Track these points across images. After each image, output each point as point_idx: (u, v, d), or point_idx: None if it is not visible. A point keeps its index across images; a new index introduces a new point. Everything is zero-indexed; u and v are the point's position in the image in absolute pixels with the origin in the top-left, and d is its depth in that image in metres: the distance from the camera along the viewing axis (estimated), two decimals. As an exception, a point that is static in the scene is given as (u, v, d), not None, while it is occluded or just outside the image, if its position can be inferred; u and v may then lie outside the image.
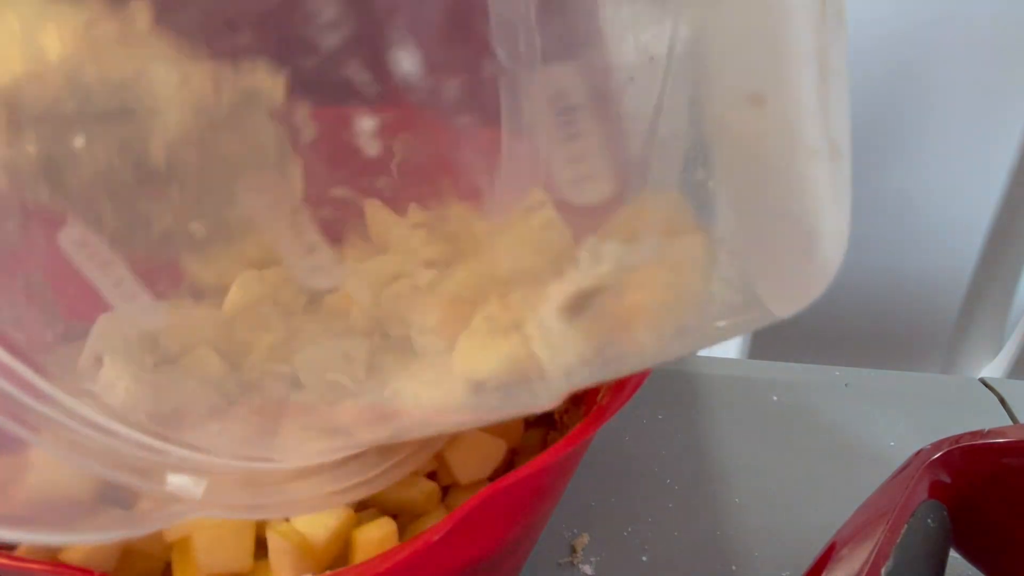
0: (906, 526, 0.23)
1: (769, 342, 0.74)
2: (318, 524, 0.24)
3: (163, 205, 0.16)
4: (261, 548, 0.25)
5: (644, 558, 0.32)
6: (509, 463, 0.30)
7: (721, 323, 0.17)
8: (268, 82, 0.15)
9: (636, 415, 0.40)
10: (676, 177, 0.16)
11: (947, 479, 0.25)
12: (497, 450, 0.29)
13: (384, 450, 0.23)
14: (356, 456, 0.22)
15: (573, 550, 0.32)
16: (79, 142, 0.15)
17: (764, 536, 0.34)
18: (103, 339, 0.19)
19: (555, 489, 0.26)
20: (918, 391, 0.43)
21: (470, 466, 0.28)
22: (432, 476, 0.29)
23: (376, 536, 0.25)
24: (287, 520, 0.25)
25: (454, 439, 0.28)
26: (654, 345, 0.17)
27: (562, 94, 0.15)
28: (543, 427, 0.33)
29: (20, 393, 0.16)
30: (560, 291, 0.16)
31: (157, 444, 0.18)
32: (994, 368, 0.72)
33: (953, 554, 0.25)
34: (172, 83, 0.15)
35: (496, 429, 0.30)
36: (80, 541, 0.19)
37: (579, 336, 0.16)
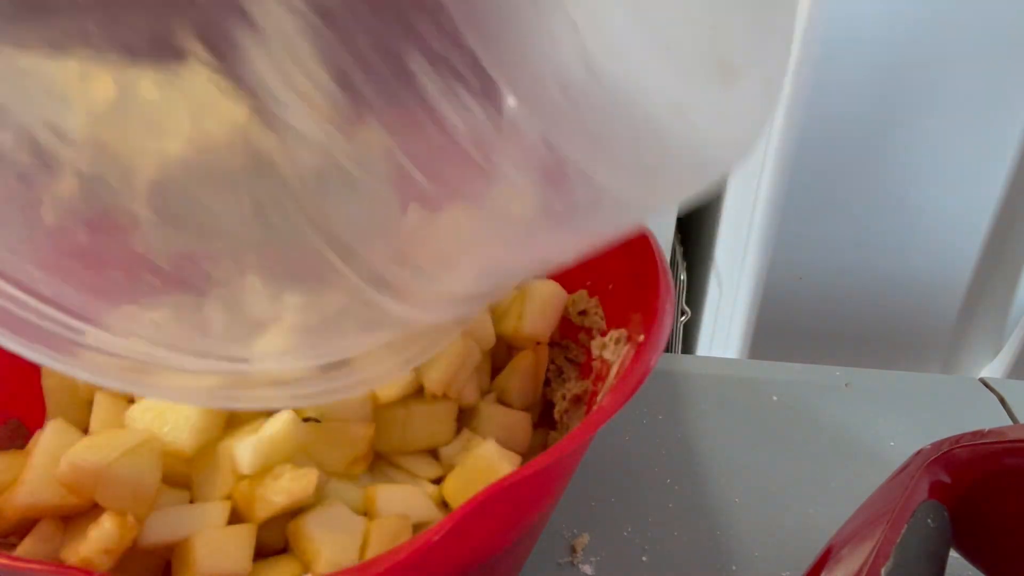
0: (906, 526, 0.23)
1: (769, 342, 0.74)
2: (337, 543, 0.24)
3: None
4: (260, 551, 0.25)
5: (644, 558, 0.32)
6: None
7: None
8: None
9: (636, 415, 0.40)
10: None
11: (947, 479, 0.25)
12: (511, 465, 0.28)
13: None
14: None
15: (573, 550, 0.32)
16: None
17: (764, 536, 0.34)
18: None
19: (555, 489, 0.26)
20: (918, 391, 0.43)
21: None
22: (436, 481, 0.29)
23: (390, 530, 0.25)
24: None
25: (465, 454, 0.28)
26: None
27: None
28: (544, 428, 0.33)
29: None
30: None
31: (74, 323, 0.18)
32: (994, 368, 0.72)
33: (953, 554, 0.25)
34: None
35: (508, 439, 0.30)
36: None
37: None
